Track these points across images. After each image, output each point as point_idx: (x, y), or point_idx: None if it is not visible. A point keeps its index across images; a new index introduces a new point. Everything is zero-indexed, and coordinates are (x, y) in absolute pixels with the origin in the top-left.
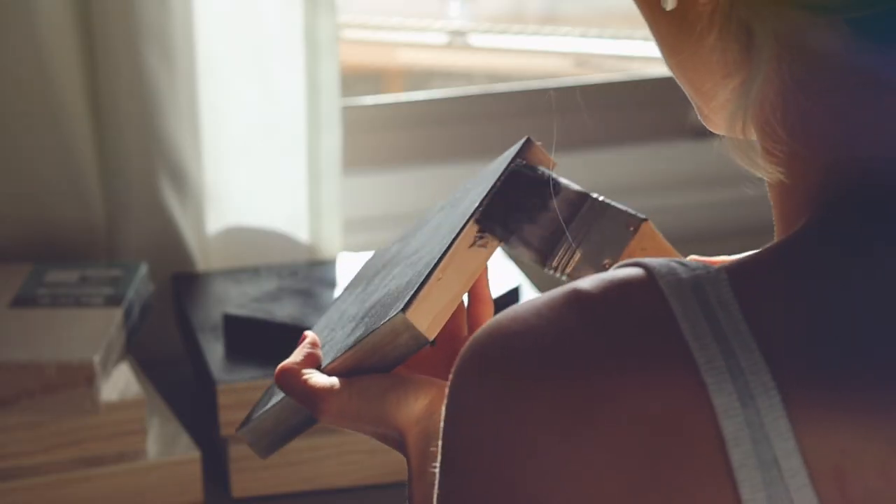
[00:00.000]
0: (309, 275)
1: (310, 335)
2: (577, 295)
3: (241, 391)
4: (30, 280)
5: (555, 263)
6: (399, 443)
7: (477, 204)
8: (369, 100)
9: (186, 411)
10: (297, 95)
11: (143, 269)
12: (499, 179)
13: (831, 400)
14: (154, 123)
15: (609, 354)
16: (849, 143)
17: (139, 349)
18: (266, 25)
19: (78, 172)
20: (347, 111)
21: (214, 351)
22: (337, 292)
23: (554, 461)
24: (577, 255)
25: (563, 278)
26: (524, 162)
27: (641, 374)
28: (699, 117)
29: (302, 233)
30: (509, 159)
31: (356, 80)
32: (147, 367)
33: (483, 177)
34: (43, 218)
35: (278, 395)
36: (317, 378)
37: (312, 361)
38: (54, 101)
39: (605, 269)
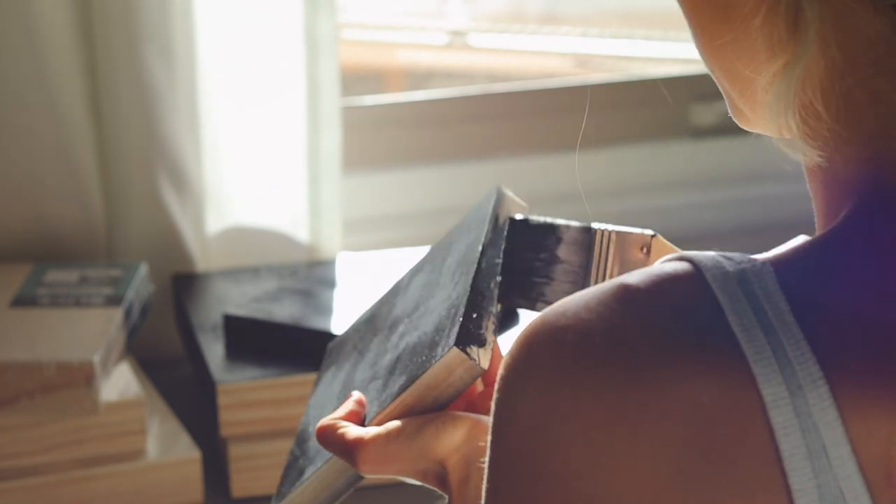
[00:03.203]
0: (309, 275)
1: (356, 394)
2: (626, 289)
3: (241, 391)
4: (30, 280)
5: None
6: (439, 475)
7: (482, 242)
8: (369, 100)
9: (186, 411)
10: (297, 95)
11: (143, 269)
12: (489, 228)
13: (878, 389)
14: (154, 123)
15: (659, 347)
16: (889, 132)
17: (139, 349)
18: (266, 25)
19: (78, 172)
20: (347, 111)
21: (214, 351)
22: (337, 292)
23: (604, 454)
24: None
25: None
26: (514, 218)
27: (691, 366)
28: (731, 113)
29: (302, 233)
30: (489, 207)
31: (356, 80)
32: (147, 367)
33: (465, 228)
34: (43, 218)
35: (316, 464)
36: (353, 430)
37: (354, 417)
38: (54, 101)
39: None
